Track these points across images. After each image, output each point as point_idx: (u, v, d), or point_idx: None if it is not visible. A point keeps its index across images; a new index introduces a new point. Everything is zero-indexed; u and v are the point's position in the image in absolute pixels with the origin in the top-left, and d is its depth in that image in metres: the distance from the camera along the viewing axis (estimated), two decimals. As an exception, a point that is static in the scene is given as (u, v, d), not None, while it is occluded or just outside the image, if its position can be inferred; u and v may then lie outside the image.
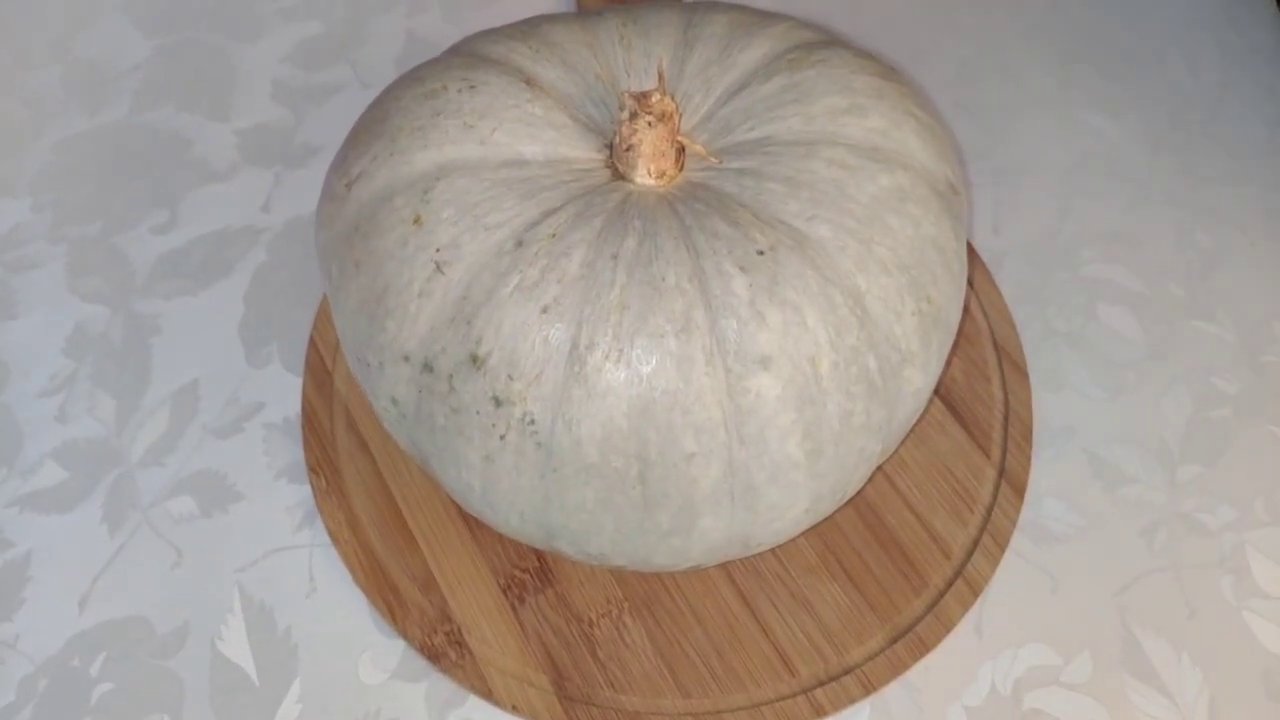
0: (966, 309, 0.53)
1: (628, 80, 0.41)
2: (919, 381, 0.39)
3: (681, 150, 0.39)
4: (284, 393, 0.53)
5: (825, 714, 0.44)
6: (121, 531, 0.50)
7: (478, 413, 0.36)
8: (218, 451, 0.51)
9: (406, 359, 0.37)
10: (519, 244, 0.36)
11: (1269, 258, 0.57)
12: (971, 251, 0.56)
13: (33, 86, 0.63)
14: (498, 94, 0.39)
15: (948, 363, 0.42)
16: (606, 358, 0.35)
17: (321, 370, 0.52)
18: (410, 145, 0.38)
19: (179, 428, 0.52)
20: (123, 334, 0.55)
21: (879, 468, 0.47)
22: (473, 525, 0.48)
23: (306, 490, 0.50)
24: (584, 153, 0.39)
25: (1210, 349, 0.54)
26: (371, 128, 0.40)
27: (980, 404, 0.51)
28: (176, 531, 0.49)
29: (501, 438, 0.36)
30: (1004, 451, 0.49)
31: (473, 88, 0.39)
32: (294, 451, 0.51)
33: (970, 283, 0.54)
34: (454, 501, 0.48)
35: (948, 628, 0.45)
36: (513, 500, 0.38)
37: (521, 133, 0.38)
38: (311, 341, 0.53)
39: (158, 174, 0.60)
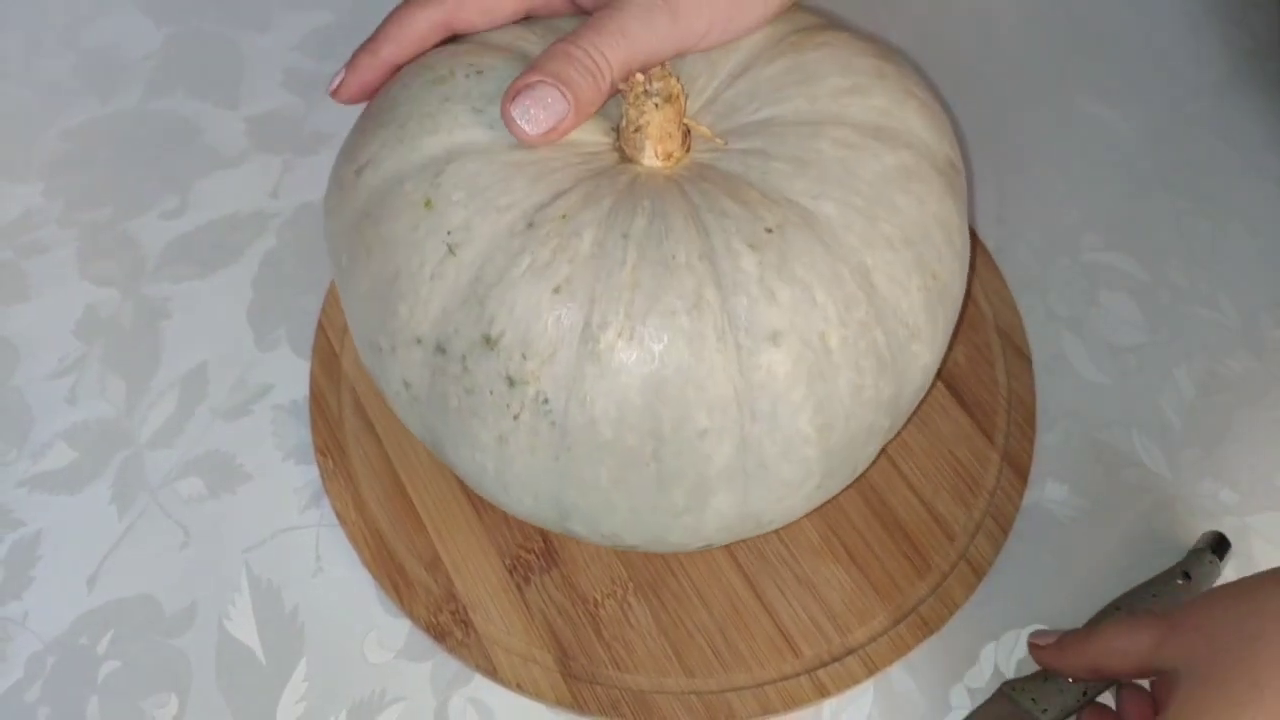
0: (971, 296, 0.54)
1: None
2: (926, 357, 0.39)
3: (687, 133, 0.39)
4: (292, 375, 0.53)
5: (829, 694, 0.44)
6: (130, 512, 0.50)
7: (491, 393, 0.36)
8: (226, 433, 0.52)
9: (419, 341, 0.38)
10: (530, 225, 0.36)
11: (1270, 246, 0.57)
12: (975, 238, 0.56)
13: (45, 74, 0.64)
14: (505, 79, 0.39)
15: (952, 342, 0.42)
16: (619, 336, 0.35)
17: (329, 353, 0.52)
18: (419, 131, 0.38)
19: (188, 409, 0.52)
20: (133, 317, 0.55)
21: (885, 447, 0.47)
22: (479, 506, 0.48)
23: (313, 471, 0.50)
24: (591, 136, 0.39)
25: (1212, 334, 0.54)
26: (380, 115, 0.40)
27: (983, 388, 0.51)
28: (185, 512, 0.50)
29: (515, 418, 0.36)
30: (1007, 435, 0.50)
31: (480, 73, 0.39)
32: (301, 433, 0.51)
33: (974, 269, 0.55)
34: (460, 482, 0.49)
35: (950, 609, 0.46)
36: (526, 481, 0.38)
37: None
38: (319, 325, 0.53)
39: (168, 160, 0.60)
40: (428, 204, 0.37)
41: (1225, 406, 0.52)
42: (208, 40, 0.65)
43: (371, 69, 0.41)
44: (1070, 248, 0.57)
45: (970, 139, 0.60)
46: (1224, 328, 0.54)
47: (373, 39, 0.42)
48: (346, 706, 0.45)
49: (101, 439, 0.52)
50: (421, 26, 0.41)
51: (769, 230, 0.36)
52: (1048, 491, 0.49)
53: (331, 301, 0.54)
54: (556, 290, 0.35)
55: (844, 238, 0.37)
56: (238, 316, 0.55)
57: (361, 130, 0.41)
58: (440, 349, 0.37)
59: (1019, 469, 0.49)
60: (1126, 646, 0.40)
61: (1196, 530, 0.48)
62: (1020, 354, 0.52)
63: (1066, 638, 0.42)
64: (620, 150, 0.39)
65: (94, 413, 0.53)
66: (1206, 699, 0.36)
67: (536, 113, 0.37)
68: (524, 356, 0.36)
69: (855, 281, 0.36)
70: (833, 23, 0.43)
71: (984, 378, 0.51)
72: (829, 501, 0.48)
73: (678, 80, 0.38)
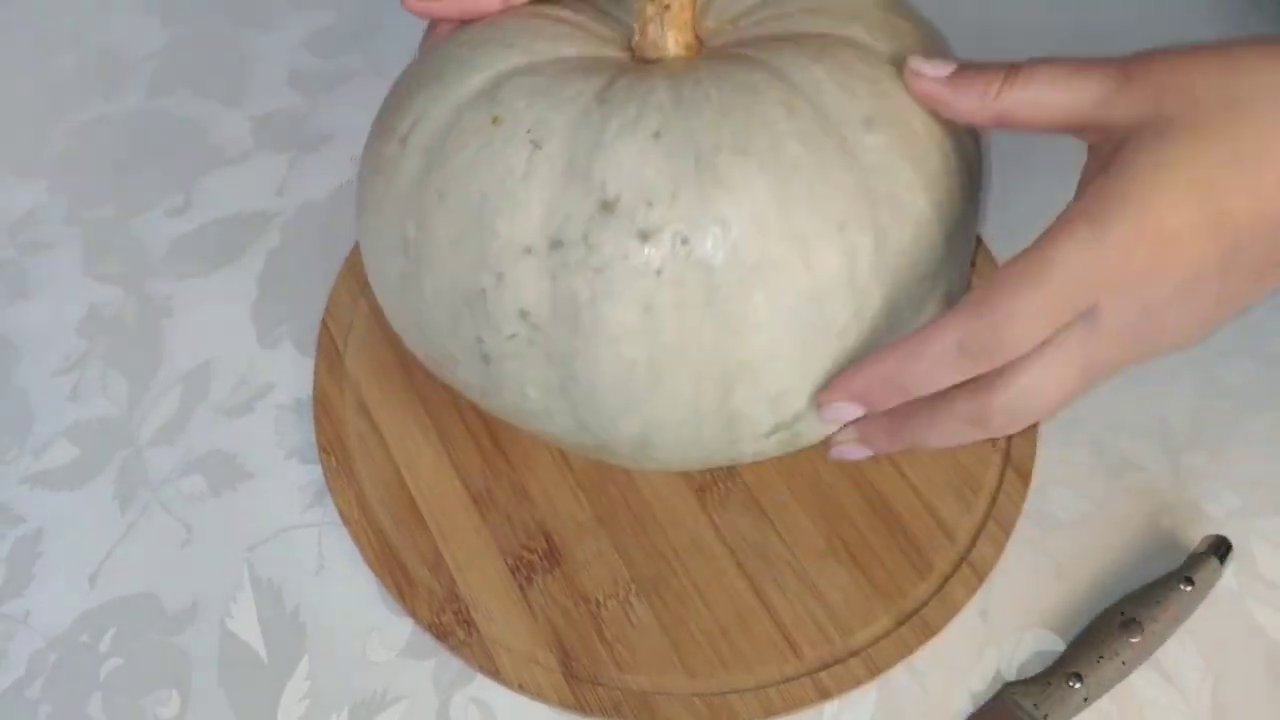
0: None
1: None
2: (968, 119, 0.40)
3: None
4: (295, 374, 0.53)
5: (831, 696, 0.44)
6: (132, 509, 0.50)
7: (626, 258, 0.35)
8: (228, 431, 0.52)
9: (529, 250, 0.36)
10: (602, 100, 0.37)
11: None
12: (978, 240, 0.56)
13: (50, 72, 0.64)
14: (523, 20, 0.41)
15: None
16: (734, 154, 0.35)
17: (333, 352, 0.52)
18: (460, 75, 0.39)
19: (190, 407, 0.52)
20: (136, 315, 0.55)
21: (894, 469, 0.48)
22: (481, 505, 0.48)
23: (316, 470, 0.50)
24: (613, 52, 0.41)
25: (1215, 339, 0.54)
26: (411, 84, 0.41)
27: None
28: (187, 510, 0.50)
29: (658, 273, 0.35)
30: (1009, 438, 0.50)
31: (495, 25, 0.41)
32: (304, 432, 0.51)
33: (975, 269, 0.55)
34: (464, 482, 0.49)
35: (953, 611, 0.46)
36: (685, 351, 0.36)
37: (561, 36, 0.40)
38: (323, 324, 0.53)
39: (172, 158, 0.61)
40: (495, 120, 0.37)
41: (1228, 411, 0.52)
42: (212, 39, 0.65)
43: None
44: (1073, 251, 0.57)
45: (974, 142, 0.61)
46: (1226, 332, 0.54)
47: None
48: (348, 705, 0.45)
49: (104, 436, 0.52)
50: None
51: (819, 49, 0.38)
52: (1050, 494, 0.49)
53: (336, 300, 0.54)
54: (656, 135, 0.36)
55: (876, 47, 0.39)
56: (241, 315, 0.55)
57: (394, 105, 0.41)
58: (556, 243, 0.36)
59: (1022, 472, 0.49)
60: (1064, 93, 0.35)
61: (1198, 534, 0.48)
62: (1023, 357, 0.52)
63: (971, 69, 0.37)
64: (639, 58, 0.41)
65: (96, 410, 0.53)
66: (1175, 156, 0.32)
67: None
68: (649, 204, 0.35)
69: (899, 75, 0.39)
70: None
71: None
72: (831, 504, 0.48)
73: None
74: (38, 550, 0.49)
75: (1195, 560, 0.45)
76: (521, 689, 0.44)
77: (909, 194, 0.37)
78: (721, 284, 0.35)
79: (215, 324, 0.55)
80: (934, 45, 0.42)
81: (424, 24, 0.65)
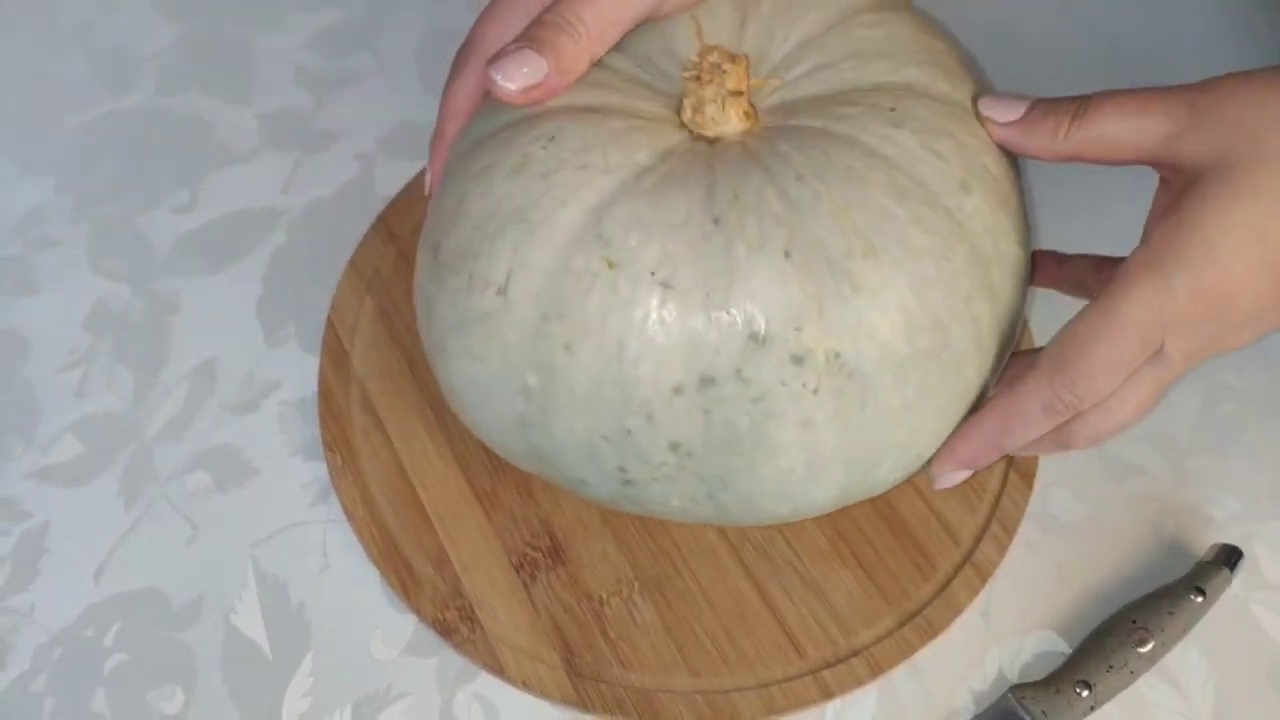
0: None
1: (689, 45, 0.41)
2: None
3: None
4: (300, 372, 0.53)
5: (833, 695, 0.44)
6: (138, 505, 0.50)
7: (783, 384, 0.35)
8: (234, 428, 0.52)
9: (678, 391, 0.35)
10: (716, 221, 0.35)
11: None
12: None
13: (58, 69, 0.64)
14: (578, 129, 0.38)
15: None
16: (864, 256, 0.35)
17: (338, 350, 0.52)
18: (546, 216, 0.36)
19: (196, 404, 0.53)
20: (142, 312, 0.55)
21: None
22: (486, 504, 0.49)
23: (321, 467, 0.50)
24: (672, 134, 0.39)
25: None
26: (478, 234, 0.37)
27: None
28: (192, 506, 0.50)
29: (815, 393, 0.35)
30: (1014, 440, 0.50)
31: (552, 139, 0.37)
32: (309, 429, 0.52)
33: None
34: (469, 480, 0.49)
35: (955, 612, 0.46)
36: (841, 450, 0.37)
37: (627, 144, 0.37)
38: (329, 322, 0.53)
39: (179, 156, 0.61)
40: (610, 265, 0.35)
41: (1232, 416, 0.52)
42: (219, 37, 0.66)
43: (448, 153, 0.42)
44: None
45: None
46: (1230, 336, 0.54)
47: (437, 128, 0.43)
48: (352, 702, 0.45)
49: (110, 432, 0.52)
50: (471, 93, 0.42)
51: (893, 109, 0.37)
52: (1053, 497, 0.50)
53: (341, 297, 0.54)
54: (786, 254, 0.35)
55: (951, 95, 0.39)
56: (247, 312, 0.55)
57: (466, 256, 0.37)
58: (707, 381, 0.35)
59: (1025, 475, 0.49)
60: (1131, 131, 0.36)
61: (1201, 538, 0.48)
62: (1027, 359, 0.52)
63: (1040, 109, 0.38)
64: (699, 135, 0.39)
65: (103, 406, 0.53)
66: (1237, 201, 0.33)
67: (513, 70, 0.37)
68: (798, 327, 0.35)
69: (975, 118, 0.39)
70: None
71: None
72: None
73: (727, 48, 0.39)
74: (44, 545, 0.49)
75: (1205, 569, 0.45)
76: (525, 686, 0.44)
77: (1008, 245, 0.38)
78: (876, 385, 0.36)
79: (221, 321, 0.55)
80: (967, 63, 0.42)
81: (423, 25, 0.65)
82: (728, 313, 0.35)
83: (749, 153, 0.37)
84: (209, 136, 0.61)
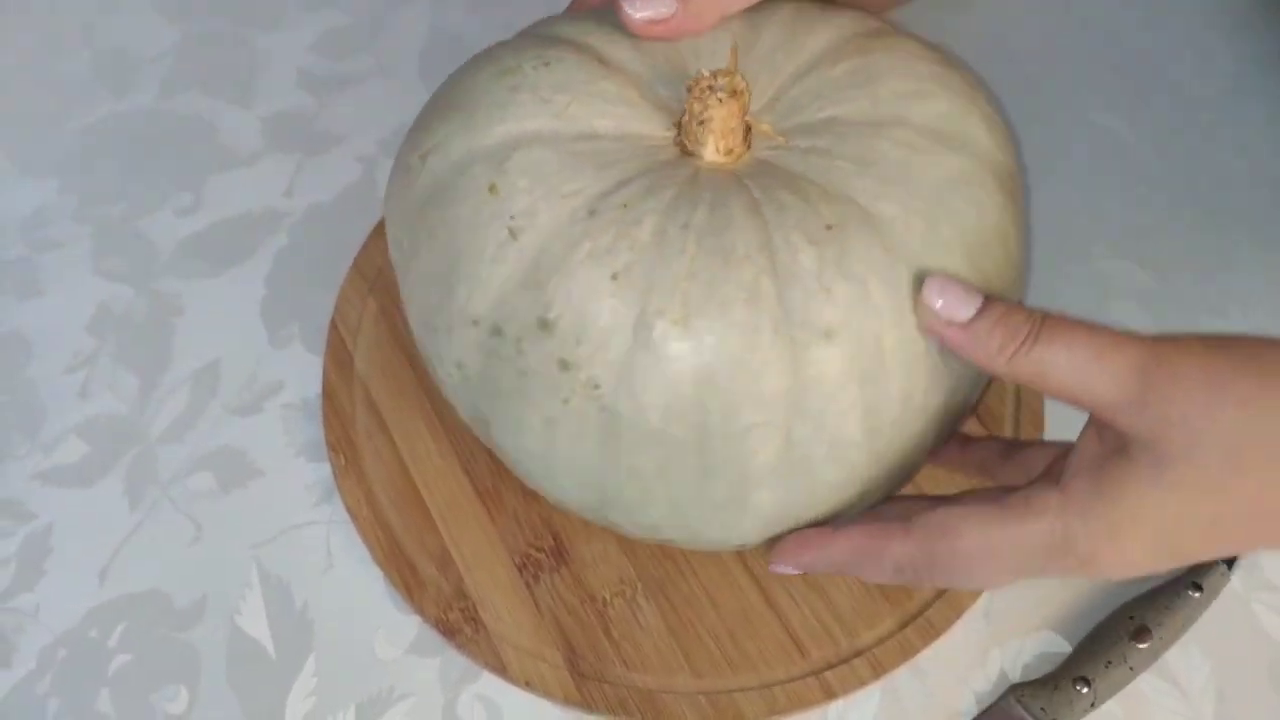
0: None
1: (696, 62, 0.41)
2: (976, 368, 0.39)
3: (748, 130, 0.39)
4: (304, 373, 0.53)
5: (835, 696, 0.44)
6: (142, 506, 0.50)
7: (543, 376, 0.37)
8: (238, 429, 0.52)
9: (475, 323, 0.38)
10: (592, 213, 0.36)
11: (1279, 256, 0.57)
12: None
13: (61, 71, 0.64)
14: (573, 71, 0.40)
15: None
16: (674, 325, 0.35)
17: (342, 351, 0.53)
18: (488, 119, 0.39)
19: (199, 405, 0.53)
20: (145, 313, 0.56)
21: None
22: (490, 504, 0.49)
23: (325, 468, 0.50)
24: (654, 130, 0.40)
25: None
26: (447, 104, 0.41)
27: (992, 393, 0.51)
28: (196, 507, 0.50)
29: (565, 401, 0.37)
30: (1015, 439, 0.50)
31: (547, 65, 0.40)
32: (313, 430, 0.52)
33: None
34: (471, 481, 0.49)
35: (957, 613, 0.46)
36: (570, 466, 0.38)
37: (595, 108, 0.39)
38: (332, 323, 0.53)
39: (182, 158, 0.61)
40: (492, 189, 0.37)
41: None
42: (222, 39, 0.66)
43: None
44: (1080, 256, 0.57)
45: (980, 147, 0.61)
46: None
47: None
48: (355, 702, 0.45)
49: (113, 433, 0.52)
50: None
51: (829, 227, 0.36)
52: (1055, 497, 0.50)
53: (345, 299, 0.54)
54: (614, 277, 0.35)
55: (904, 239, 0.36)
56: (250, 314, 0.55)
57: (427, 119, 0.41)
58: (496, 331, 0.37)
59: (1027, 475, 0.49)
60: (1080, 381, 0.34)
61: (1203, 537, 0.48)
62: (1029, 360, 0.52)
63: (989, 321, 0.35)
64: (682, 145, 0.40)
65: (106, 407, 0.53)
66: (1160, 502, 0.33)
67: (644, 3, 0.37)
68: (578, 341, 0.36)
69: (913, 285, 0.36)
70: (898, 29, 0.43)
71: (992, 382, 0.51)
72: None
73: (742, 77, 0.38)
74: (48, 546, 0.49)
75: (1203, 566, 0.46)
76: (528, 686, 0.44)
77: (838, 415, 0.36)
78: (620, 433, 0.37)
79: (225, 323, 0.55)
80: (981, 89, 0.41)
81: (425, 27, 0.66)
82: (541, 291, 0.36)
83: (696, 183, 0.38)
84: (212, 138, 0.62)
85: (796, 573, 0.41)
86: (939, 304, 0.36)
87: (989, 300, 0.36)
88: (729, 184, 0.38)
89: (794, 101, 0.40)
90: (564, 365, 0.36)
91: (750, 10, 0.42)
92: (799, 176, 0.38)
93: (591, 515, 0.41)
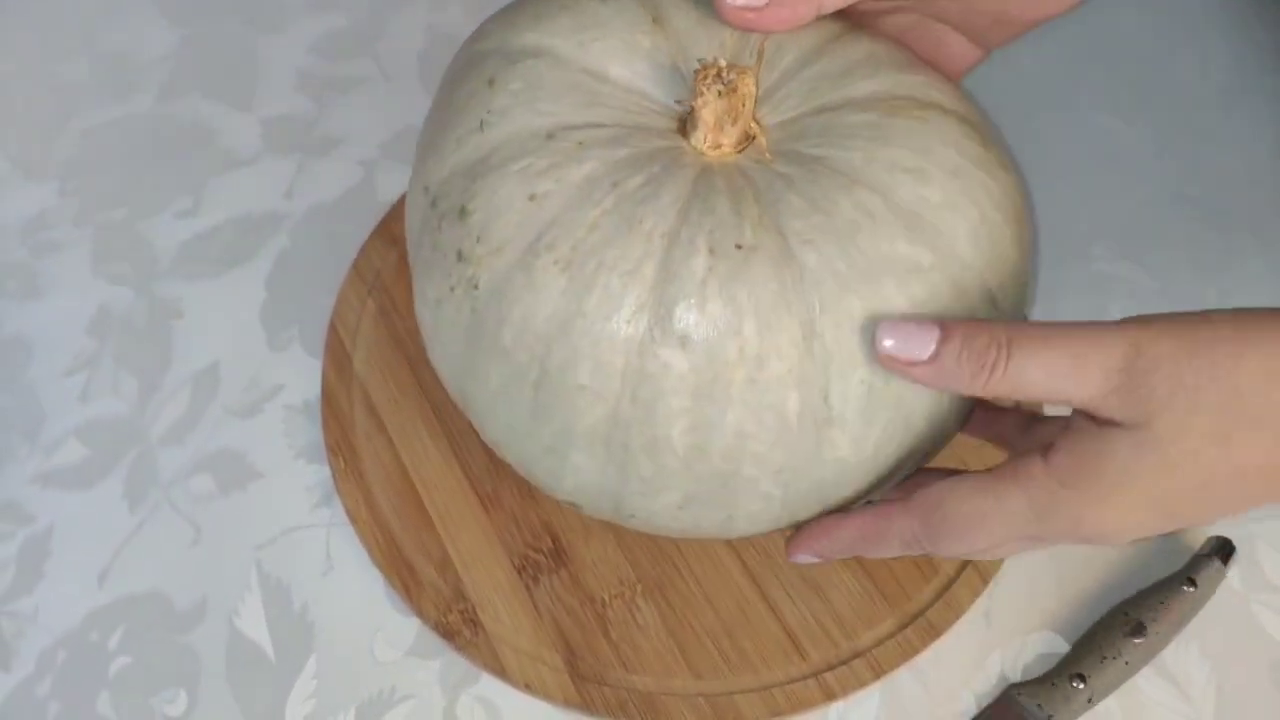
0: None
1: (748, 59, 0.41)
2: (843, 450, 0.37)
3: (748, 137, 0.39)
4: (304, 376, 0.53)
5: (835, 697, 0.44)
6: (141, 508, 0.50)
7: (445, 256, 0.39)
8: (237, 432, 0.52)
9: (426, 190, 0.40)
10: (550, 136, 0.38)
11: (1279, 256, 0.57)
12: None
13: (61, 75, 0.64)
14: (622, 13, 0.40)
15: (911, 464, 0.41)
16: (555, 263, 0.36)
17: (342, 354, 0.53)
18: (526, 24, 0.41)
19: (199, 408, 0.53)
20: (145, 316, 0.56)
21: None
22: (488, 506, 0.49)
23: (324, 471, 0.50)
24: (663, 98, 0.40)
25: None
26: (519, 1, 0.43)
27: (992, 395, 0.51)
28: (196, 509, 0.50)
29: (451, 289, 0.39)
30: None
31: (605, 1, 0.41)
32: (312, 433, 0.52)
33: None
34: (471, 483, 0.49)
35: (957, 614, 0.46)
36: (446, 350, 0.41)
37: (619, 53, 0.40)
38: (332, 325, 0.53)
39: (182, 161, 0.61)
40: (491, 82, 0.40)
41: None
42: (222, 42, 0.66)
43: None
44: (1080, 257, 0.57)
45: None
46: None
47: None
48: (355, 704, 0.45)
49: (113, 436, 0.52)
50: None
51: (738, 246, 0.36)
52: (1055, 498, 0.50)
53: (344, 302, 0.54)
54: (531, 198, 0.37)
55: (808, 292, 0.35)
56: (250, 316, 0.56)
57: (506, 7, 0.43)
58: (434, 203, 0.40)
59: (1026, 475, 0.49)
60: (1059, 386, 0.34)
61: (1202, 536, 0.48)
62: (1028, 361, 0.52)
63: (952, 350, 0.34)
64: (682, 122, 0.40)
65: (106, 410, 0.53)
66: (1147, 474, 0.33)
67: None
68: (479, 239, 0.38)
69: (795, 335, 0.35)
70: (970, 114, 0.41)
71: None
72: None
73: (754, 80, 0.38)
74: (47, 548, 0.49)
75: (1198, 561, 0.46)
76: (527, 688, 0.44)
77: (665, 416, 0.37)
78: (480, 337, 0.38)
79: (224, 325, 0.55)
80: (1002, 204, 0.39)
81: (424, 30, 0.66)
82: (473, 182, 0.38)
83: (654, 157, 0.38)
84: (212, 141, 0.62)
85: (817, 560, 0.42)
86: (889, 344, 0.35)
87: (947, 329, 0.35)
88: (684, 172, 0.38)
89: (804, 129, 0.39)
90: (460, 256, 0.38)
91: (840, 30, 0.41)
92: (749, 193, 0.37)
93: (462, 410, 0.42)
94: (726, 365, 0.36)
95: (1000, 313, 0.39)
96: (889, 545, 0.39)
